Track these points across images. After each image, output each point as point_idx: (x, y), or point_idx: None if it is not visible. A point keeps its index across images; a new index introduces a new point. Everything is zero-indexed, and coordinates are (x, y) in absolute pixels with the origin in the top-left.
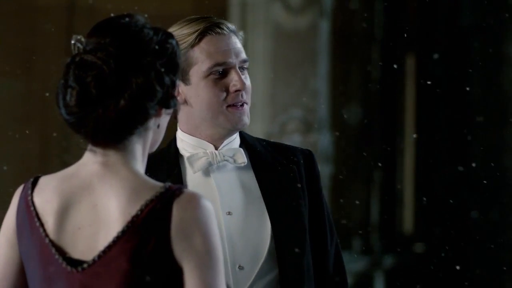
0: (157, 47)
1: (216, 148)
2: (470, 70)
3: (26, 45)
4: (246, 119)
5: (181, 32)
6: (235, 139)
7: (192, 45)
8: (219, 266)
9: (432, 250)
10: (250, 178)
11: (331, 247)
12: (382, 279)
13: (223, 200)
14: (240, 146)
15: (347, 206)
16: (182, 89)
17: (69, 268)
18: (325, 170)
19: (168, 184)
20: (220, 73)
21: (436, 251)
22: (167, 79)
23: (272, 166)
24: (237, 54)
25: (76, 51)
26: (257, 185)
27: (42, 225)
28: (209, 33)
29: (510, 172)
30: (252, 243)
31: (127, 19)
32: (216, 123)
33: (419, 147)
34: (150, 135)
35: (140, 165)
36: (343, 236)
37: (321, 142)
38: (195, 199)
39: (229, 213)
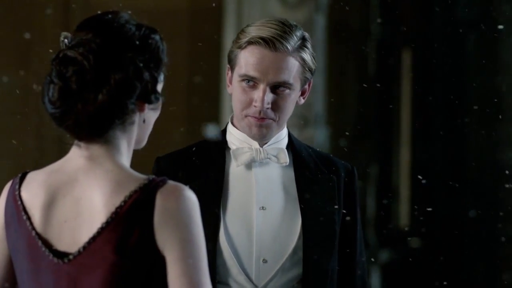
0: (138, 42)
1: (261, 145)
2: (467, 65)
3: (22, 41)
4: (263, 132)
5: (246, 30)
6: (283, 139)
7: (240, 47)
8: (201, 257)
9: (428, 245)
10: (290, 178)
11: (359, 261)
12: (378, 273)
13: (259, 195)
14: (287, 147)
15: None
16: (230, 82)
17: (55, 260)
18: None
19: (152, 176)
20: (249, 83)
21: (432, 246)
22: (146, 75)
23: (313, 172)
24: (270, 73)
25: (64, 47)
26: (295, 186)
27: (29, 218)
28: (257, 43)
29: (507, 168)
30: (280, 239)
31: (110, 15)
32: (241, 125)
33: (415, 142)
34: (135, 130)
35: (125, 159)
36: None
37: (317, 137)
38: (178, 190)
39: (263, 208)
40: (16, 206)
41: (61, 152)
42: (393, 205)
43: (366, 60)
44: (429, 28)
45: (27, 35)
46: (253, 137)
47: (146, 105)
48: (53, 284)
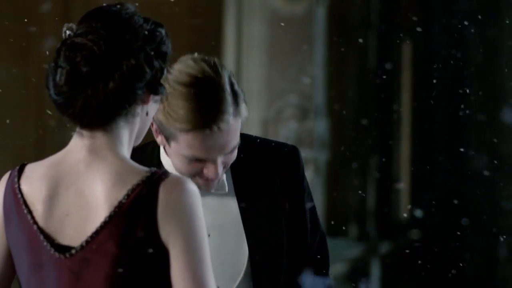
0: (147, 33)
1: None
2: (467, 57)
3: (22, 32)
4: (208, 188)
5: (176, 102)
6: None
7: (180, 130)
8: (204, 249)
9: (428, 236)
10: (232, 201)
11: (312, 244)
12: (378, 265)
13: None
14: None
15: (343, 193)
16: (159, 134)
17: (57, 254)
18: (321, 157)
19: (154, 168)
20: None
21: (432, 238)
22: (156, 63)
23: (255, 186)
24: (223, 149)
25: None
26: (237, 209)
27: (30, 212)
28: (207, 128)
29: (507, 158)
30: (229, 264)
31: (117, 6)
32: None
33: (415, 133)
34: (138, 122)
35: (126, 151)
36: (339, 222)
37: (317, 129)
38: (180, 182)
39: (208, 235)
40: (16, 200)
41: (62, 144)
42: (393, 197)
43: (366, 52)
44: (429, 20)
45: (27, 27)
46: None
47: (151, 97)
48: (55, 278)
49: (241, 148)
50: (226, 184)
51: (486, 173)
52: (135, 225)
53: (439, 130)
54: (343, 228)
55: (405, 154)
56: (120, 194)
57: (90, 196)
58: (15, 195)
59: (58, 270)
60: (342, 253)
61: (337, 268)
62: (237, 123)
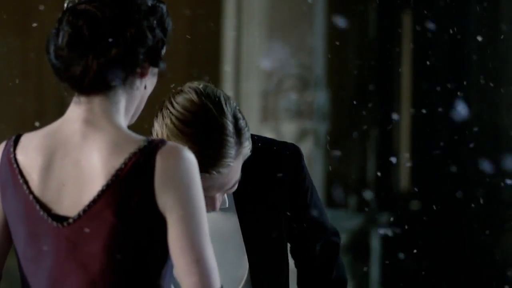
0: (150, 5)
1: None
2: (467, 27)
3: (22, 1)
4: (217, 209)
5: (176, 140)
6: None
7: None
8: (202, 217)
9: (428, 207)
10: (232, 213)
11: (318, 247)
12: (378, 236)
13: None
14: None
15: (343, 164)
16: None
17: (54, 224)
18: (321, 128)
19: (150, 137)
20: None
21: (432, 209)
22: (158, 32)
23: (255, 197)
24: (222, 188)
25: None
26: (237, 220)
27: (26, 182)
28: (208, 173)
29: (508, 129)
30: (230, 275)
31: None
32: None
33: (415, 104)
34: (136, 95)
35: (123, 121)
36: (339, 193)
37: (318, 100)
38: (178, 150)
39: None
40: (12, 170)
41: (61, 115)
42: (393, 168)
43: (366, 22)
44: None
45: None
46: None
47: (150, 70)
48: (52, 248)
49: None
50: (227, 200)
51: (488, 144)
52: (132, 194)
53: (439, 101)
54: (343, 199)
55: (405, 125)
56: (117, 162)
57: (86, 165)
58: (10, 165)
59: (55, 240)
60: (341, 224)
61: None
62: (238, 163)
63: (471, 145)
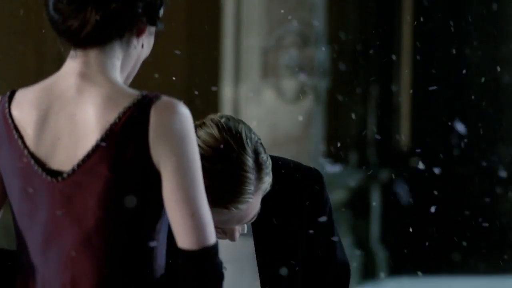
0: None
1: None
2: None
3: None
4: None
5: None
6: None
7: None
8: (196, 171)
9: (428, 164)
10: (249, 239)
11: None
12: (378, 193)
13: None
14: None
15: (343, 121)
16: None
17: (49, 178)
18: (321, 85)
19: (145, 92)
20: None
21: (432, 165)
22: None
23: (272, 224)
24: (241, 221)
25: None
26: (253, 245)
27: (21, 137)
28: (216, 208)
29: (507, 87)
30: None
31: None
32: None
33: (416, 61)
34: (133, 54)
35: (119, 76)
36: (339, 150)
37: (318, 56)
38: (172, 105)
39: (224, 268)
40: (7, 125)
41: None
42: (394, 125)
43: None
44: None
45: None
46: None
47: (147, 28)
48: (47, 203)
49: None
50: (246, 227)
51: (487, 100)
52: (127, 148)
53: (440, 58)
54: (343, 155)
55: (406, 82)
56: (112, 117)
57: (81, 119)
58: (5, 121)
59: (50, 194)
60: (342, 181)
61: (337, 196)
62: (257, 198)
63: (473, 102)
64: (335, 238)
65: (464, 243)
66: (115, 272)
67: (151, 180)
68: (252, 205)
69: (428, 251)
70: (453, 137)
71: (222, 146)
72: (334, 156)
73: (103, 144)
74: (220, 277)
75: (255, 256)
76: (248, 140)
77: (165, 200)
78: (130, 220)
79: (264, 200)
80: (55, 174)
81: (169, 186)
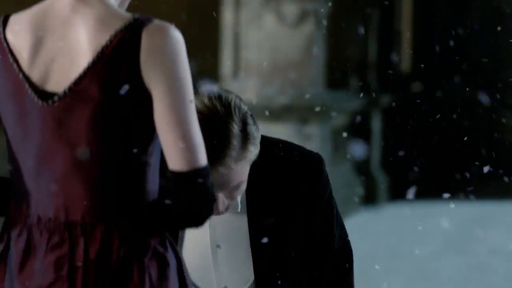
0: None
1: None
2: None
3: None
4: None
5: None
6: None
7: None
8: (188, 93)
9: (429, 89)
10: (243, 217)
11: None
12: (379, 117)
13: (213, 234)
14: None
15: (344, 45)
16: None
17: (40, 102)
18: (323, 7)
19: (137, 14)
20: None
21: (433, 90)
22: None
23: (269, 201)
24: (222, 188)
25: None
26: (247, 224)
27: (16, 61)
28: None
29: (508, 18)
30: (239, 274)
31: None
32: None
33: None
34: None
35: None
36: (341, 76)
37: None
38: (164, 28)
39: (218, 246)
40: (1, 49)
41: None
42: (395, 49)
43: None
44: None
45: None
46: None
47: None
48: (39, 127)
49: (261, 154)
50: (239, 205)
51: (488, 29)
52: (118, 70)
53: None
54: (344, 80)
55: (407, 6)
56: (103, 39)
57: (74, 42)
58: (0, 45)
59: (42, 118)
60: (342, 106)
61: (337, 120)
62: (241, 166)
63: (474, 29)
64: (334, 226)
65: (465, 167)
66: (108, 195)
67: (142, 102)
68: (234, 172)
69: (428, 176)
70: (454, 61)
71: (209, 112)
72: (335, 81)
73: (94, 66)
74: (211, 198)
75: (248, 234)
76: (237, 109)
77: (156, 122)
78: (122, 143)
79: (261, 179)
80: (47, 97)
81: (160, 107)
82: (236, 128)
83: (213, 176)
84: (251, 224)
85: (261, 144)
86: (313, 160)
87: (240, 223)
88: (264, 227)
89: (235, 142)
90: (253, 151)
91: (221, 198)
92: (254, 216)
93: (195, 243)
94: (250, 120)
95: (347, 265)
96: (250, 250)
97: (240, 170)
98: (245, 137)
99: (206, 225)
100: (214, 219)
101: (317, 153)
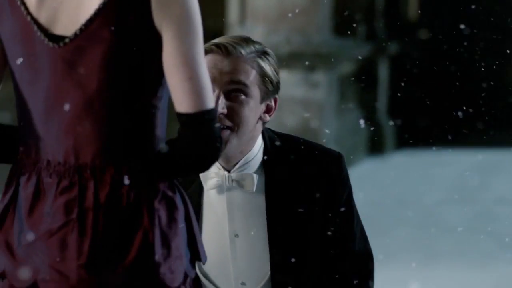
0: None
1: (229, 169)
2: None
3: None
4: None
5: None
6: (252, 159)
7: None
8: (196, 37)
9: (436, 36)
10: (260, 205)
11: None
12: (386, 65)
13: (231, 222)
14: (260, 167)
15: None
16: None
17: (50, 44)
18: None
19: None
20: None
21: (440, 38)
22: None
23: (288, 193)
24: (223, 77)
25: None
26: (265, 213)
27: (23, 3)
28: (211, 51)
29: None
30: (256, 265)
31: None
32: None
33: None
34: None
35: None
36: (348, 23)
37: None
38: None
39: (236, 236)
40: None
41: None
42: None
43: None
44: None
45: None
46: None
47: None
48: (49, 69)
49: (281, 148)
50: (255, 183)
51: None
52: (129, 11)
53: None
54: (351, 27)
55: None
56: None
57: None
58: None
59: (52, 60)
60: (350, 53)
61: (345, 68)
62: (250, 65)
63: None
64: (354, 227)
65: (472, 115)
66: (118, 138)
67: (153, 44)
68: (228, 64)
69: (435, 124)
70: (461, 9)
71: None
72: (342, 28)
73: (105, 8)
74: (218, 140)
75: (266, 224)
76: (257, 43)
77: (164, 64)
78: (132, 85)
79: (281, 170)
80: (57, 39)
81: (169, 49)
82: (247, 39)
83: (213, 59)
84: (269, 213)
85: (282, 139)
86: (333, 157)
87: (259, 211)
88: (282, 217)
89: (240, 41)
90: (268, 70)
91: (220, 98)
92: (273, 204)
93: (213, 234)
94: (263, 48)
95: (367, 269)
96: (267, 241)
97: (246, 70)
98: (248, 44)
99: (225, 214)
100: (233, 207)
101: (338, 151)
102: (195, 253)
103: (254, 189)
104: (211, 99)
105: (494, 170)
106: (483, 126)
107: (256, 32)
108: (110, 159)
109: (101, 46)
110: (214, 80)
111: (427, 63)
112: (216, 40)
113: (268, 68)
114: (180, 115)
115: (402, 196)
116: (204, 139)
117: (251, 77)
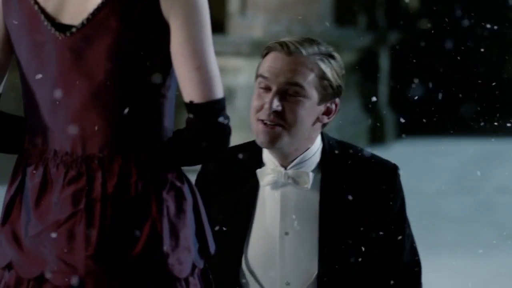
0: None
1: (286, 166)
2: None
3: None
4: (269, 139)
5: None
6: (310, 158)
7: (263, 56)
8: (204, 26)
9: (437, 26)
10: (314, 203)
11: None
12: (387, 55)
13: (283, 220)
14: (317, 166)
15: None
16: None
17: (57, 34)
18: None
19: None
20: (264, 88)
21: (441, 28)
22: None
23: (342, 195)
24: (281, 74)
25: None
26: (318, 209)
27: None
28: (274, 48)
29: None
30: (303, 265)
31: None
32: (254, 133)
33: None
34: None
35: None
36: (349, 13)
37: None
38: None
39: (286, 233)
40: None
41: None
42: None
43: None
44: None
45: None
46: (261, 145)
47: None
48: (56, 58)
49: (339, 152)
50: (310, 180)
51: None
52: (137, 1)
53: None
54: (352, 17)
55: None
56: None
57: None
58: None
59: (59, 50)
60: (350, 43)
61: (345, 58)
62: (310, 66)
63: None
64: (404, 238)
65: (473, 105)
66: (126, 128)
67: (160, 33)
68: (287, 62)
69: (435, 114)
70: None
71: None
72: (343, 17)
73: None
74: (227, 130)
75: (318, 223)
76: (326, 45)
77: (172, 54)
78: (139, 74)
79: (336, 171)
80: (64, 29)
81: (177, 39)
82: (313, 41)
83: (273, 59)
84: (322, 211)
85: (340, 143)
86: (389, 167)
87: (311, 209)
88: (334, 217)
89: (303, 41)
90: (328, 73)
91: (276, 98)
92: (326, 202)
93: (264, 232)
94: (328, 50)
95: (414, 281)
96: (317, 241)
97: (304, 71)
98: (312, 45)
99: (278, 210)
100: (286, 204)
101: (394, 163)
102: (204, 244)
103: (309, 187)
104: (220, 88)
105: (495, 160)
106: (484, 115)
107: (257, 22)
108: (118, 149)
109: (108, 36)
110: (271, 78)
111: (428, 52)
112: (282, 38)
113: (328, 71)
114: (188, 105)
115: (403, 186)
116: (213, 129)
117: (309, 79)
